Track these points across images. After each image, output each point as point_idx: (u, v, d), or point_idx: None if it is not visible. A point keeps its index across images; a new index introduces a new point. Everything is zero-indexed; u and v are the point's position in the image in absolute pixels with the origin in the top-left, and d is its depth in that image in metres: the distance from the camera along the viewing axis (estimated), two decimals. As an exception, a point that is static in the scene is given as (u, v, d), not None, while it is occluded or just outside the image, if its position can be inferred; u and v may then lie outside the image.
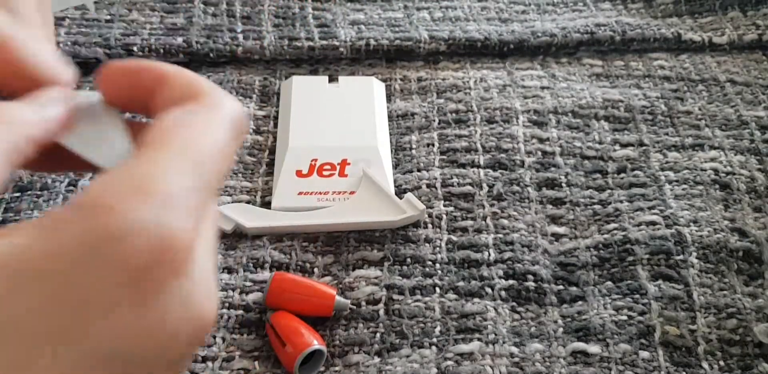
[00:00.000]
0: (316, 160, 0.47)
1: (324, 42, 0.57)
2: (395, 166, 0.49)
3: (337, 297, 0.39)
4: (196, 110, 0.21)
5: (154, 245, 0.18)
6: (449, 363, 0.37)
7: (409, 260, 0.42)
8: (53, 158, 0.23)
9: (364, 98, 0.52)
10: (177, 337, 0.19)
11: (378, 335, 0.38)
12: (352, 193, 0.45)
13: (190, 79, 0.22)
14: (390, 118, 0.53)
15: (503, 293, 0.40)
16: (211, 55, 0.56)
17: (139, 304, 0.18)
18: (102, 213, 0.18)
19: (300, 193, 0.45)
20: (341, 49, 0.56)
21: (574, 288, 0.41)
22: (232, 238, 0.44)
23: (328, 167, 0.46)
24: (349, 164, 0.47)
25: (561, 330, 0.39)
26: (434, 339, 0.38)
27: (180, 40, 0.55)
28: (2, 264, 0.17)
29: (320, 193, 0.45)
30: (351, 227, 0.44)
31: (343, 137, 0.48)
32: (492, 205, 0.46)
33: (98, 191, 0.18)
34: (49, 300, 0.17)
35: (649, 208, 0.45)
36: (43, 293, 0.17)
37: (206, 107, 0.21)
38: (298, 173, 0.46)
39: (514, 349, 0.37)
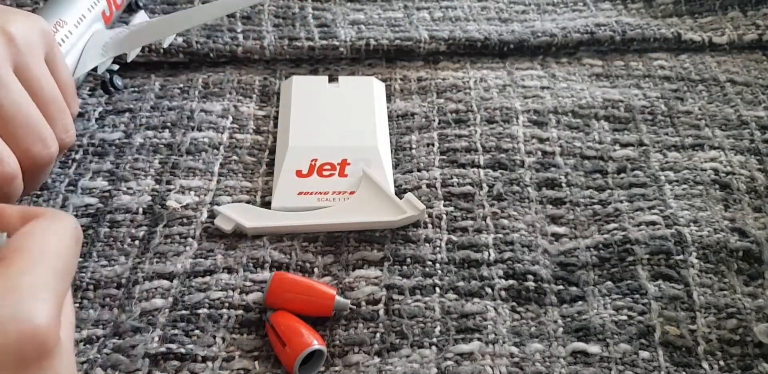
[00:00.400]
0: (316, 160, 0.47)
1: (324, 42, 0.57)
2: (395, 166, 0.49)
3: (337, 297, 0.39)
4: (41, 224, 0.24)
5: (21, 335, 0.21)
6: (449, 363, 0.37)
7: (409, 260, 0.42)
8: None
9: (364, 97, 0.52)
10: None
11: (378, 335, 0.38)
12: (352, 193, 0.45)
13: (22, 207, 0.26)
14: (390, 118, 0.53)
15: (503, 293, 0.40)
16: (211, 55, 0.56)
17: None
18: None
19: (300, 193, 0.45)
20: (341, 49, 0.56)
21: (574, 288, 0.41)
22: (232, 238, 0.44)
23: (328, 167, 0.46)
24: (349, 164, 0.46)
25: (561, 330, 0.39)
26: (434, 339, 0.38)
27: (180, 39, 0.55)
28: None
29: (320, 193, 0.45)
30: (351, 227, 0.44)
31: (343, 137, 0.48)
32: (492, 205, 0.46)
33: None
34: None
35: (649, 208, 0.45)
36: None
37: (48, 220, 0.25)
38: (298, 173, 0.46)
39: (514, 349, 0.37)
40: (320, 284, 0.40)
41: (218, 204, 0.45)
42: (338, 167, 0.46)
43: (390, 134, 0.51)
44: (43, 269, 0.23)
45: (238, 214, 0.44)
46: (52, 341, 0.22)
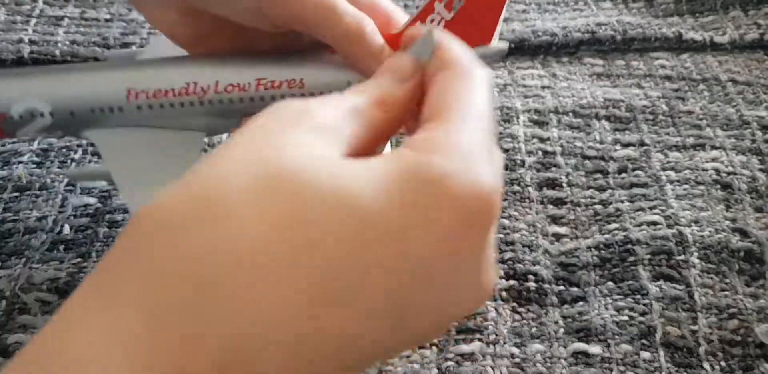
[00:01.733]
0: None
1: (324, 41, 0.56)
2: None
3: None
4: (457, 82, 0.24)
5: (479, 194, 0.20)
6: (450, 363, 0.37)
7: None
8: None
9: None
10: (461, 305, 0.21)
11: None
12: None
13: (451, 52, 0.25)
14: (390, 117, 0.52)
15: (504, 293, 0.40)
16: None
17: (454, 270, 0.20)
18: (426, 163, 0.19)
19: None
20: (341, 48, 0.56)
21: (575, 289, 0.41)
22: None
23: None
24: None
25: (562, 330, 0.38)
26: (435, 340, 0.38)
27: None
28: (344, 216, 0.18)
29: None
30: None
31: None
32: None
33: (417, 147, 0.20)
34: (392, 259, 0.18)
35: (650, 208, 0.45)
36: (388, 250, 0.18)
37: (463, 76, 0.24)
38: None
39: (515, 350, 0.37)
40: None
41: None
42: None
43: (390, 134, 0.51)
44: (480, 131, 0.22)
45: None
46: (497, 208, 0.20)
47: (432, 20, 0.35)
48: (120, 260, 0.19)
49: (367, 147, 0.22)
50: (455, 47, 0.25)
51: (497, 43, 0.37)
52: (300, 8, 0.33)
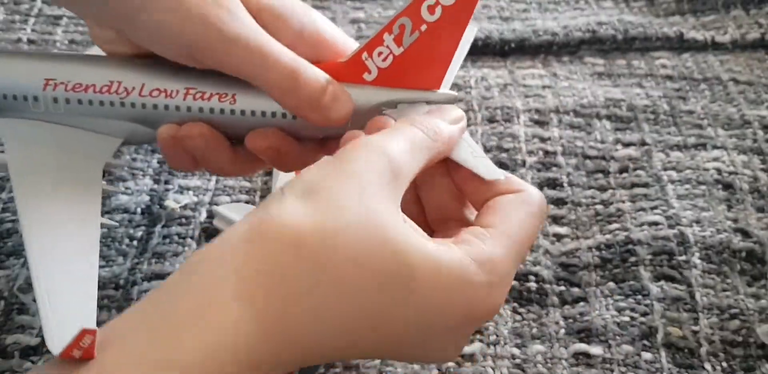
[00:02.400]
0: None
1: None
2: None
3: None
4: (518, 204, 0.29)
5: (495, 310, 0.28)
6: (450, 364, 0.36)
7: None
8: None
9: None
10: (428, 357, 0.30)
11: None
12: None
13: (510, 182, 0.30)
14: (390, 117, 0.52)
15: (504, 294, 0.40)
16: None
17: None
18: (474, 273, 0.27)
19: None
20: (341, 47, 0.56)
21: (576, 289, 0.41)
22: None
23: None
24: None
25: (563, 331, 0.38)
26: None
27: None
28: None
29: None
30: None
31: None
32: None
33: (473, 252, 0.27)
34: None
35: (652, 208, 0.45)
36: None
37: (524, 202, 0.30)
38: (297, 173, 0.46)
39: (516, 350, 0.37)
40: None
41: (217, 204, 0.45)
42: None
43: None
44: (520, 258, 0.29)
45: (237, 214, 0.43)
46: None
47: (380, 53, 0.32)
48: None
49: None
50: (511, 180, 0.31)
51: (446, 90, 0.34)
52: (228, 56, 0.31)
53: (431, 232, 0.31)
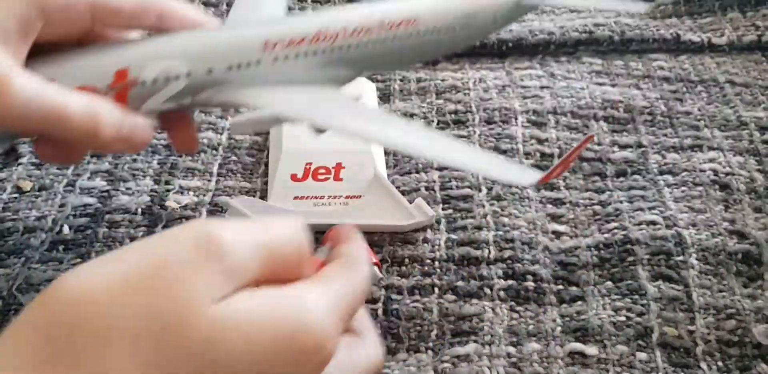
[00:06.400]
0: (310, 164, 0.46)
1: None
2: (393, 166, 0.49)
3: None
4: (345, 269, 0.29)
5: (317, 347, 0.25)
6: (446, 365, 0.37)
7: (407, 260, 0.42)
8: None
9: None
10: None
11: (375, 336, 0.38)
12: (348, 197, 0.45)
13: (349, 248, 0.31)
14: (389, 118, 0.52)
15: (502, 293, 0.40)
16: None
17: None
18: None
19: (295, 197, 0.45)
20: (340, 49, 0.56)
21: (574, 288, 0.41)
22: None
23: (322, 171, 0.46)
24: (343, 168, 0.46)
25: (559, 329, 0.39)
26: (430, 343, 0.38)
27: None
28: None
29: (316, 197, 0.45)
30: (359, 229, 0.43)
31: (337, 141, 0.48)
32: (492, 204, 0.45)
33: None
34: None
35: (650, 208, 0.45)
36: None
37: (350, 269, 0.29)
38: (293, 177, 0.46)
39: (511, 349, 0.37)
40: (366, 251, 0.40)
41: (218, 204, 0.45)
42: (333, 171, 0.46)
43: (389, 135, 0.51)
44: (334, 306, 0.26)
45: (249, 208, 0.43)
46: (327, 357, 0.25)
47: None
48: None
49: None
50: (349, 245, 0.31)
51: None
52: (21, 117, 0.31)
53: None
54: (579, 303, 0.40)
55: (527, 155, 0.49)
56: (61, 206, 0.45)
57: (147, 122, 0.34)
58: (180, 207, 0.45)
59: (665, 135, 0.52)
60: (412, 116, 0.53)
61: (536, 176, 0.34)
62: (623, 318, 0.39)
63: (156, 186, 0.46)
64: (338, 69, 0.38)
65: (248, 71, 0.35)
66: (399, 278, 0.41)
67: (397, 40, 0.39)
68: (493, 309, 0.39)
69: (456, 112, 0.53)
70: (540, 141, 0.51)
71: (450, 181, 0.47)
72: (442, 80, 0.56)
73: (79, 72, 0.32)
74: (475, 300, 0.40)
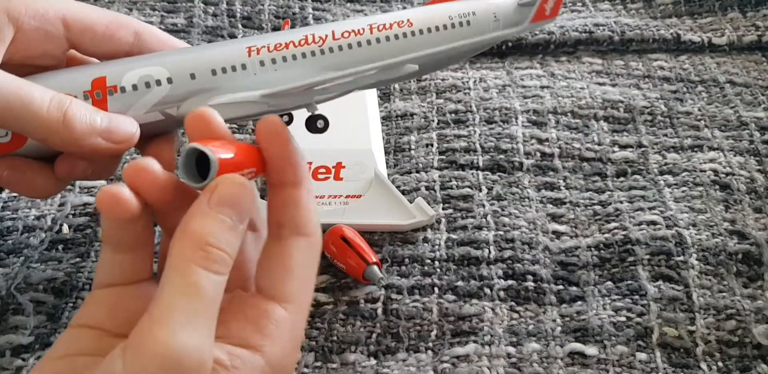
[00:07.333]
0: (310, 163, 0.46)
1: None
2: (393, 166, 0.49)
3: (369, 267, 0.39)
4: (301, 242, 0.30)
5: None
6: (446, 365, 0.37)
7: (407, 260, 0.42)
8: None
9: (356, 99, 0.51)
10: None
11: (374, 336, 0.38)
12: (348, 197, 0.45)
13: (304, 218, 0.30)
14: (389, 118, 0.52)
15: (502, 293, 0.40)
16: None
17: None
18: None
19: None
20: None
21: (574, 288, 0.41)
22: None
23: (323, 170, 0.46)
24: (344, 167, 0.46)
25: (559, 329, 0.38)
26: (430, 343, 0.38)
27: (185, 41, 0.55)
28: None
29: (316, 197, 0.44)
30: (359, 228, 0.43)
31: (337, 140, 0.48)
32: (492, 204, 0.45)
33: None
34: None
35: (650, 208, 0.45)
36: None
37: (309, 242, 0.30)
38: None
39: (511, 349, 0.37)
40: (367, 250, 0.40)
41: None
42: (333, 171, 0.46)
43: (389, 135, 0.51)
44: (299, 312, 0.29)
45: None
46: None
47: None
48: None
49: None
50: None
51: None
52: None
53: None
54: (579, 303, 0.40)
55: (527, 154, 0.49)
56: (61, 205, 0.45)
57: (128, 117, 0.33)
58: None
59: (665, 135, 0.52)
60: (412, 115, 0.53)
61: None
62: (623, 319, 0.39)
63: (156, 185, 0.46)
64: (333, 72, 0.37)
65: (234, 76, 0.34)
66: (399, 278, 0.41)
67: (389, 40, 0.39)
68: (493, 309, 0.39)
69: (456, 111, 0.53)
70: (540, 141, 0.51)
71: (450, 181, 0.47)
72: (443, 80, 0.56)
73: (53, 83, 0.32)
74: (475, 300, 0.40)
